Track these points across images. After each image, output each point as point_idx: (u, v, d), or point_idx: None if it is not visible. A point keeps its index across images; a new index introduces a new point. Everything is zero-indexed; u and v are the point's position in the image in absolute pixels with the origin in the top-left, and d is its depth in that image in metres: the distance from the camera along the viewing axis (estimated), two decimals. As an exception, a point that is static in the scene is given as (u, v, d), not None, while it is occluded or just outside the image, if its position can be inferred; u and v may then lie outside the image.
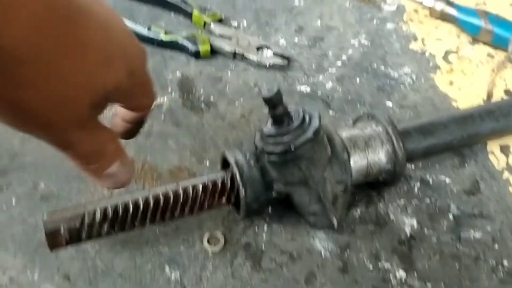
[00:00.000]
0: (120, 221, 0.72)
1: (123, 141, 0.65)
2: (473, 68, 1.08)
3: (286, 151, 0.70)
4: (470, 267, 0.83)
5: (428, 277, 0.81)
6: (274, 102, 0.69)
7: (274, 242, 0.82)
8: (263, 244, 0.82)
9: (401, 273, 0.82)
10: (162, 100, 0.98)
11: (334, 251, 0.83)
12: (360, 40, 1.11)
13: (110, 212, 0.71)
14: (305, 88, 1.03)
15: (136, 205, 0.72)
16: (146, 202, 0.73)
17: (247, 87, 1.02)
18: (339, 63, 1.07)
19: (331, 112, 0.99)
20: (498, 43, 1.09)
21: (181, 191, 0.74)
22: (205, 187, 0.75)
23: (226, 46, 1.04)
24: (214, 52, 1.05)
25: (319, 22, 1.15)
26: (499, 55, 1.10)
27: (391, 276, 0.81)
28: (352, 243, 0.84)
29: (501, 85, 1.06)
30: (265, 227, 0.84)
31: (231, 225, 0.83)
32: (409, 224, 0.87)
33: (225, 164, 0.79)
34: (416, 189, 0.91)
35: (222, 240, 0.81)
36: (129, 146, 0.91)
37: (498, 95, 1.04)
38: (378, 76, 1.05)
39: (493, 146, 0.97)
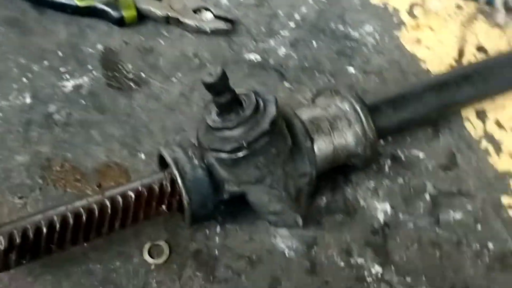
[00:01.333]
0: (31, 249, 0.57)
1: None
2: (441, 22, 0.96)
3: (238, 148, 0.56)
4: (452, 254, 0.74)
5: (406, 271, 0.72)
6: (218, 89, 0.54)
7: (229, 245, 0.70)
8: (216, 249, 0.70)
9: (376, 268, 0.72)
10: (81, 80, 0.81)
11: (299, 250, 0.71)
12: (314, -5, 0.96)
13: (17, 238, 0.56)
14: (254, 56, 0.88)
15: (51, 226, 0.57)
16: (64, 221, 0.58)
17: (186, 59, 0.86)
18: (291, 24, 0.92)
19: (286, 84, 0.85)
20: (467, -7, 0.97)
21: (108, 203, 0.59)
22: (138, 195, 0.60)
23: (156, 10, 0.87)
24: (142, 17, 0.88)
25: (265, -25, 0.98)
26: (469, 7, 0.98)
27: (366, 272, 0.71)
28: (320, 239, 0.73)
29: (473, 41, 0.94)
30: (218, 228, 0.71)
31: (176, 230, 0.70)
32: (381, 209, 0.77)
33: (164, 162, 0.64)
34: (387, 168, 0.80)
35: (166, 250, 0.69)
36: (43, 141, 0.75)
37: (470, 53, 0.93)
38: (337, 37, 0.92)
39: (468, 112, 0.86)
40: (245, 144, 0.55)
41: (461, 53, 0.91)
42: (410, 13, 0.97)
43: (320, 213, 0.75)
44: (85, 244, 0.65)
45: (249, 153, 0.56)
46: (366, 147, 0.68)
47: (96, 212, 0.58)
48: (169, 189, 0.61)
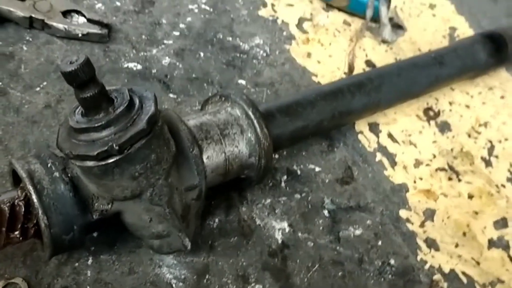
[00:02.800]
0: None
1: None
2: (330, 37, 0.95)
3: (107, 152, 0.45)
4: (354, 273, 0.69)
5: (309, 294, 0.65)
6: (81, 79, 0.44)
7: (104, 280, 0.60)
8: (88, 286, 0.59)
9: (276, 294, 0.64)
10: None
11: (189, 280, 0.63)
12: (199, 5, 0.90)
13: None
14: (134, 66, 0.78)
15: None
16: None
17: (52, 67, 0.75)
18: (176, 33, 0.85)
19: (171, 95, 0.77)
20: (354, 9, 0.97)
21: None
22: (-20, 219, 0.47)
23: (17, 11, 0.75)
24: (1, 19, 0.75)
25: (146, -19, 0.91)
26: (356, 23, 0.98)
27: (266, 301, 0.63)
28: (212, 265, 0.64)
29: (362, 56, 0.94)
30: (90, 260, 0.61)
31: (37, 263, 0.59)
32: (279, 228, 0.70)
33: (19, 178, 0.52)
34: (283, 184, 0.74)
35: (24, 289, 0.57)
36: None
37: (360, 67, 0.92)
38: (225, 49, 0.86)
39: (362, 125, 0.84)
40: (116, 147, 0.45)
41: (351, 68, 0.90)
42: (300, 27, 0.94)
43: (213, 236, 0.67)
44: None
45: (122, 159, 0.46)
46: (261, 156, 0.61)
47: None
48: (23, 210, 0.49)
